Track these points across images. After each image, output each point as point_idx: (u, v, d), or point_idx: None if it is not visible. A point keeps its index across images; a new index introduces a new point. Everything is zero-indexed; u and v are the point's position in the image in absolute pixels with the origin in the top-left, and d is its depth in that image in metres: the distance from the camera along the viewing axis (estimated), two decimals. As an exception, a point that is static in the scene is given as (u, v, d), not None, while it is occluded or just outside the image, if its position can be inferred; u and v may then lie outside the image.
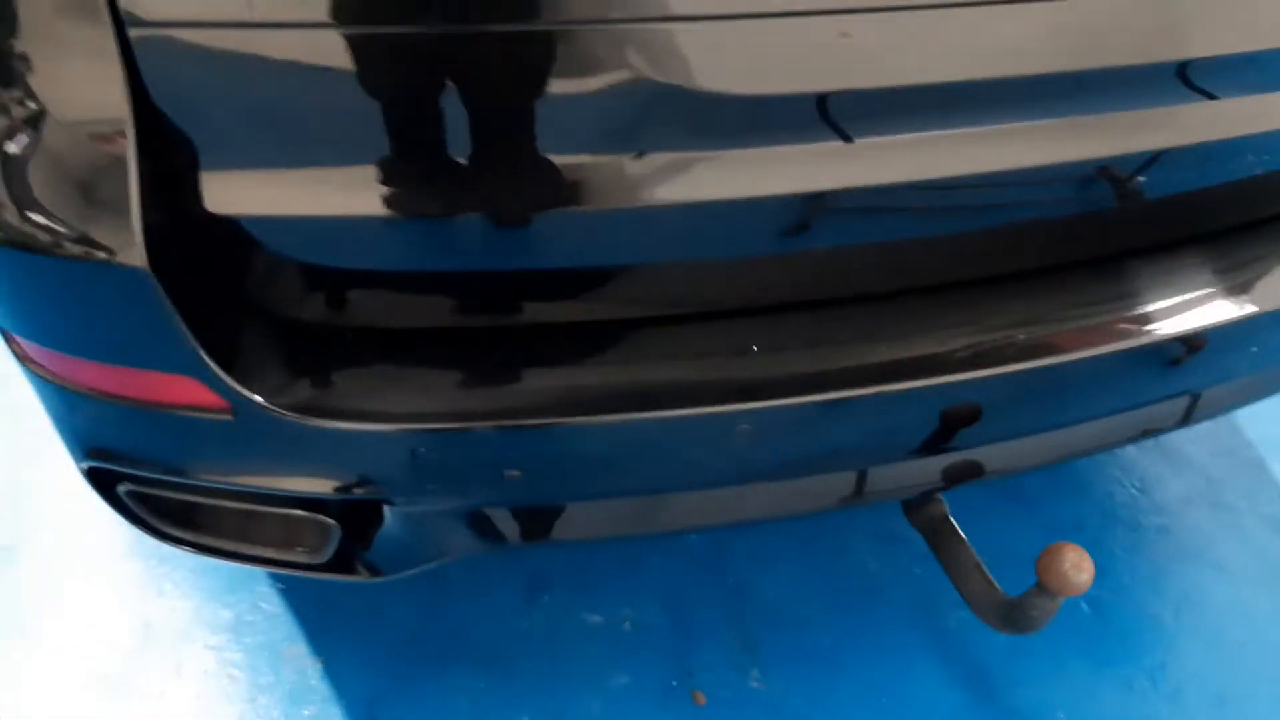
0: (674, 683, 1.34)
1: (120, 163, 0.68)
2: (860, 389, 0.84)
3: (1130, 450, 1.72)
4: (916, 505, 1.19)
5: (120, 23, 0.65)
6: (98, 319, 0.75)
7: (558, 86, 0.72)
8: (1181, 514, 1.63)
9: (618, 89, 0.72)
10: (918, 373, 0.86)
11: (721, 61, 0.73)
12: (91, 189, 0.69)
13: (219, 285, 0.77)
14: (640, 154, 0.76)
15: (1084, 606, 1.47)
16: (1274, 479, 1.70)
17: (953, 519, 1.18)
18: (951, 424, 0.92)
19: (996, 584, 1.10)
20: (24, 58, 0.67)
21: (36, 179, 0.69)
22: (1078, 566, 0.93)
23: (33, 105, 0.67)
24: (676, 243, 0.83)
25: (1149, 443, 1.74)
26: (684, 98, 0.73)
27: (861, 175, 0.81)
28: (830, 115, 0.77)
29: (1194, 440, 1.75)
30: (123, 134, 0.67)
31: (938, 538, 1.16)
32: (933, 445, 0.94)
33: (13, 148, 0.69)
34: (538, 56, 0.70)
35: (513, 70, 0.71)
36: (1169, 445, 1.73)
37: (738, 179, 0.78)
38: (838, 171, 0.80)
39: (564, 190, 0.76)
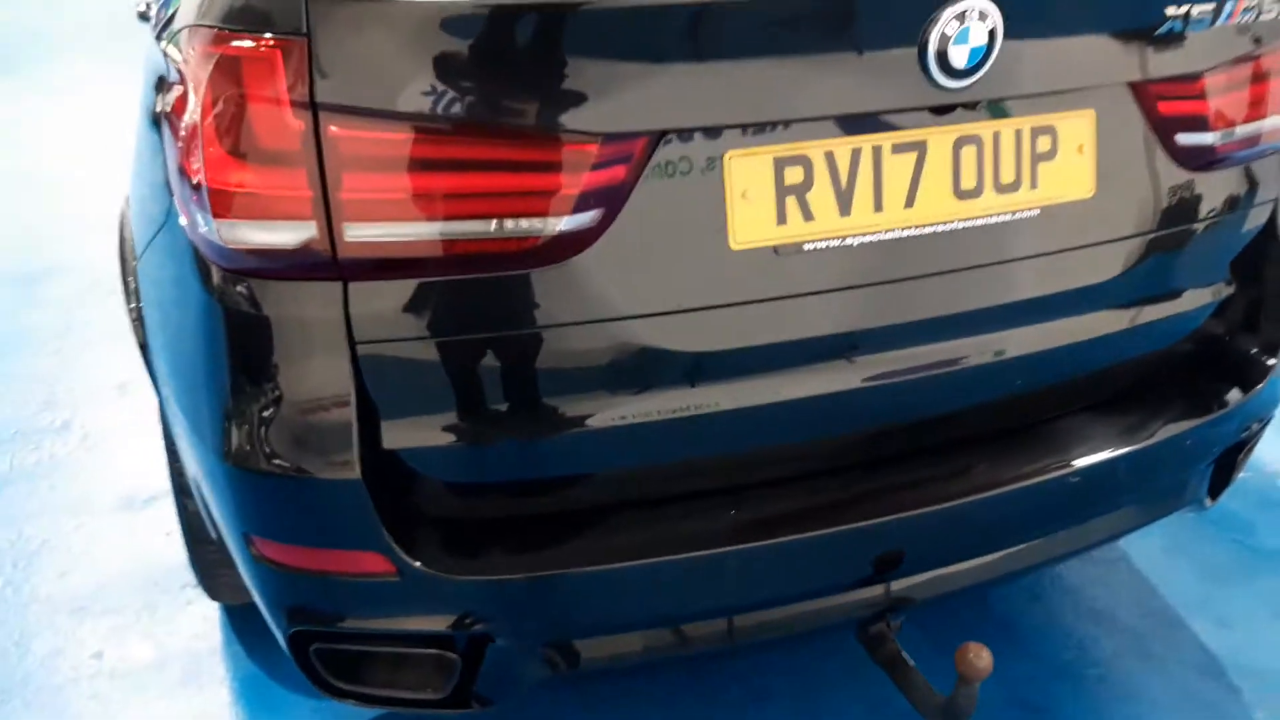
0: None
1: (347, 418, 1.17)
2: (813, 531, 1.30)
3: (1068, 617, 2.09)
4: (876, 646, 1.57)
5: (353, 341, 1.17)
6: (322, 517, 1.22)
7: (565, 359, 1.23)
8: (1115, 664, 1.97)
9: (607, 353, 1.23)
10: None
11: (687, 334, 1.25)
12: (329, 435, 1.18)
13: (395, 492, 1.24)
14: (637, 392, 1.26)
15: (1042, 742, 1.80)
16: (1191, 631, 2.06)
17: (904, 653, 1.56)
18: (884, 559, 1.37)
19: (936, 691, 1.47)
20: (289, 359, 1.18)
21: (295, 433, 1.18)
22: (978, 654, 1.32)
23: (297, 385, 1.18)
24: (684, 445, 1.31)
25: (1084, 609, 2.11)
26: (660, 354, 1.24)
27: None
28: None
29: (1122, 605, 2.12)
30: (349, 402, 1.17)
31: (894, 668, 1.54)
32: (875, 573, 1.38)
33: (279, 414, 1.18)
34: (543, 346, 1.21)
35: (534, 355, 1.22)
36: (1101, 611, 2.10)
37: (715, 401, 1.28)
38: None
39: (577, 421, 1.24)
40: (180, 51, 1.21)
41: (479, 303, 1.19)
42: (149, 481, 2.58)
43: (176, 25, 1.30)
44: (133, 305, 1.72)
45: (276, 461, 1.18)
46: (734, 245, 1.24)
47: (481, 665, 1.32)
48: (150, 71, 1.69)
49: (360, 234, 1.12)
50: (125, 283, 1.75)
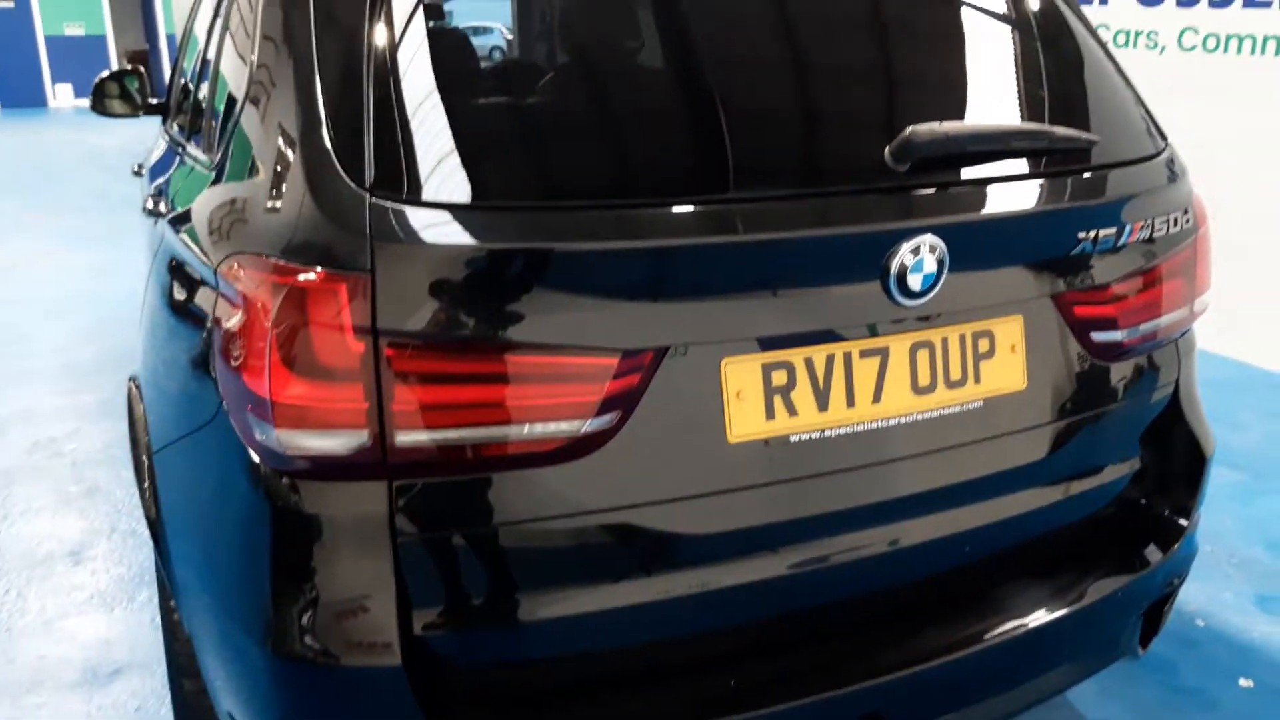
0: None
1: (389, 607, 1.28)
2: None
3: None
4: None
5: (395, 534, 1.29)
6: (361, 701, 1.30)
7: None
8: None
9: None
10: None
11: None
12: (372, 623, 1.28)
13: (425, 673, 1.33)
14: (648, 573, 1.40)
15: None
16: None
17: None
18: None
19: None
20: (335, 551, 1.29)
21: (339, 622, 1.28)
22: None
23: (341, 576, 1.29)
24: (691, 620, 1.45)
25: None
26: (669, 538, 1.39)
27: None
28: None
29: None
30: (390, 592, 1.28)
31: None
32: None
33: (324, 604, 1.29)
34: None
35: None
36: None
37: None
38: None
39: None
40: (237, 274, 1.35)
41: (508, 496, 1.33)
42: (112, 653, 2.57)
43: (222, 243, 1.45)
44: (145, 484, 1.80)
45: (320, 649, 1.28)
46: (731, 438, 1.41)
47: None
48: (163, 260, 1.82)
49: (409, 440, 1.26)
50: (137, 460, 1.83)
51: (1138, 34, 3.04)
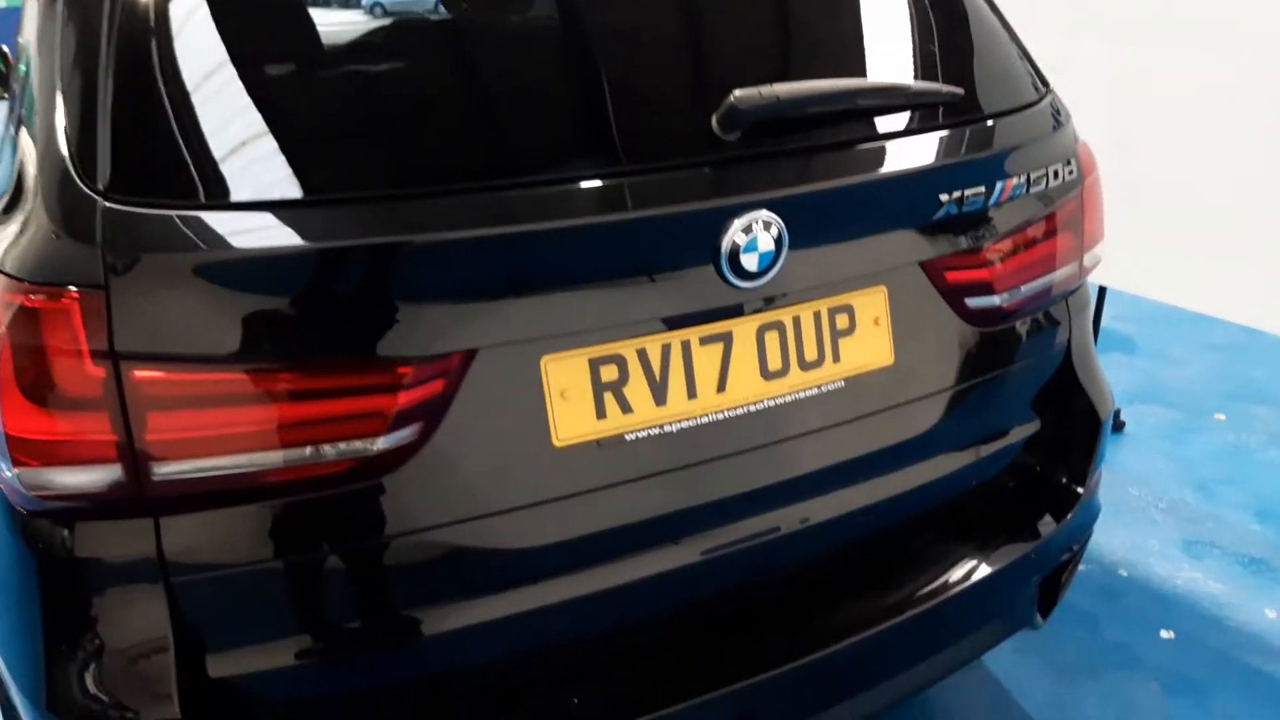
0: None
1: (164, 657, 1.15)
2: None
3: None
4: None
5: (167, 576, 1.15)
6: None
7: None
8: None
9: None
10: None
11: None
12: (146, 676, 1.15)
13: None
14: (475, 594, 1.28)
15: None
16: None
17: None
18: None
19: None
20: (101, 600, 1.16)
21: (112, 677, 1.15)
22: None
23: (111, 628, 1.15)
24: (531, 637, 1.33)
25: (944, 726, 2.18)
26: (494, 555, 1.27)
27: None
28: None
29: (980, 714, 2.20)
30: (166, 639, 1.15)
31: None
32: None
33: (96, 659, 1.16)
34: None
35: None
36: (961, 726, 2.18)
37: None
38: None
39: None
40: None
41: (298, 526, 1.20)
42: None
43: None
44: None
45: (93, 708, 1.15)
46: (557, 442, 1.28)
47: None
48: None
49: (168, 472, 1.12)
50: None
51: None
